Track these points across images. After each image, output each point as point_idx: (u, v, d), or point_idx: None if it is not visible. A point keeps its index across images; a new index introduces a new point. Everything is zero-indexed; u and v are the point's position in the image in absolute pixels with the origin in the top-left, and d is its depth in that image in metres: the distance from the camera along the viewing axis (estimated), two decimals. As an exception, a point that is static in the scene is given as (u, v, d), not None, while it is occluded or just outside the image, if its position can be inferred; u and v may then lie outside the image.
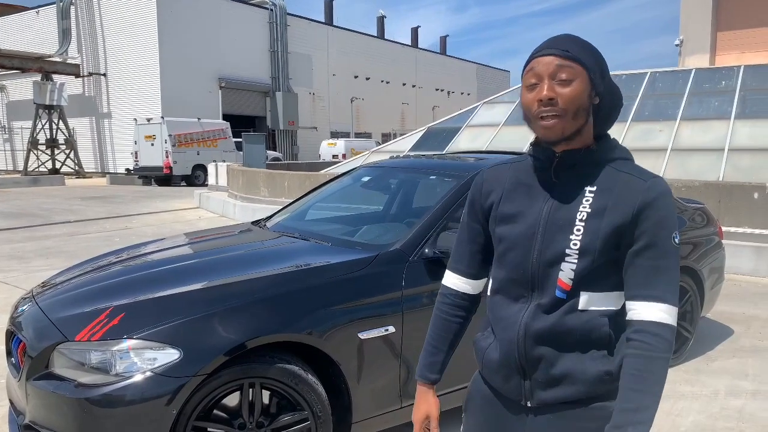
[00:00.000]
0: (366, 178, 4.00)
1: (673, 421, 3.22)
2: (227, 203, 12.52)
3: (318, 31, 34.90)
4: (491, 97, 13.73)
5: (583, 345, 1.30)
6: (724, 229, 6.50)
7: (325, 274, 2.65)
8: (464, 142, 12.01)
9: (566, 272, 1.29)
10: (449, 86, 45.20)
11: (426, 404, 1.50)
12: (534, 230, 1.34)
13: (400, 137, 14.29)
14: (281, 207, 4.17)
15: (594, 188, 1.31)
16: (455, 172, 3.30)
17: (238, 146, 20.86)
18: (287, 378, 2.36)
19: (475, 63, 49.17)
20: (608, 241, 1.27)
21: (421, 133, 13.10)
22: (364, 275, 2.68)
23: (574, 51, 1.29)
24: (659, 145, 10.16)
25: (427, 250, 2.82)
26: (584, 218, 1.29)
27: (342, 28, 36.95)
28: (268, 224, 3.71)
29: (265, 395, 2.38)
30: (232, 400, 2.34)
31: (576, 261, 1.29)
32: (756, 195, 6.87)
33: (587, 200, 1.30)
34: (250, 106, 31.24)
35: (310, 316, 2.46)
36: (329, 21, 37.43)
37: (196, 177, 21.97)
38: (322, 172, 12.06)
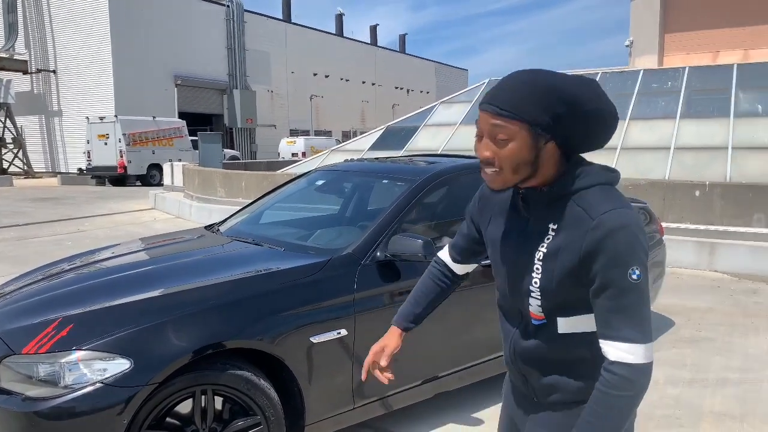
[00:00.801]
0: (320, 182, 4.04)
1: (616, 412, 3.37)
2: (183, 204, 12.34)
3: (276, 28, 34.57)
4: (448, 97, 13.89)
5: (564, 366, 1.37)
6: (667, 225, 6.79)
7: (277, 280, 2.68)
8: (422, 141, 12.14)
9: (534, 306, 1.35)
10: (409, 84, 45.42)
11: (387, 339, 1.63)
12: (506, 263, 1.40)
13: (360, 136, 14.34)
14: (236, 210, 4.17)
15: (555, 225, 1.29)
16: (406, 176, 3.37)
17: (195, 145, 20.54)
18: (239, 384, 2.39)
19: (433, 61, 49.51)
20: (563, 282, 1.28)
21: (380, 132, 13.18)
22: (316, 280, 2.72)
23: (513, 105, 1.22)
24: (610, 144, 10.29)
25: (378, 254, 2.88)
26: (541, 258, 1.30)
27: (300, 25, 36.71)
28: (222, 229, 3.71)
29: (218, 401, 2.40)
30: (184, 407, 2.35)
31: (539, 297, 1.33)
32: (697, 193, 7.19)
33: (548, 239, 1.30)
34: (207, 103, 30.74)
35: (262, 322, 2.49)
36: (287, 18, 37.08)
37: (151, 177, 21.53)
38: (279, 172, 11.99)
